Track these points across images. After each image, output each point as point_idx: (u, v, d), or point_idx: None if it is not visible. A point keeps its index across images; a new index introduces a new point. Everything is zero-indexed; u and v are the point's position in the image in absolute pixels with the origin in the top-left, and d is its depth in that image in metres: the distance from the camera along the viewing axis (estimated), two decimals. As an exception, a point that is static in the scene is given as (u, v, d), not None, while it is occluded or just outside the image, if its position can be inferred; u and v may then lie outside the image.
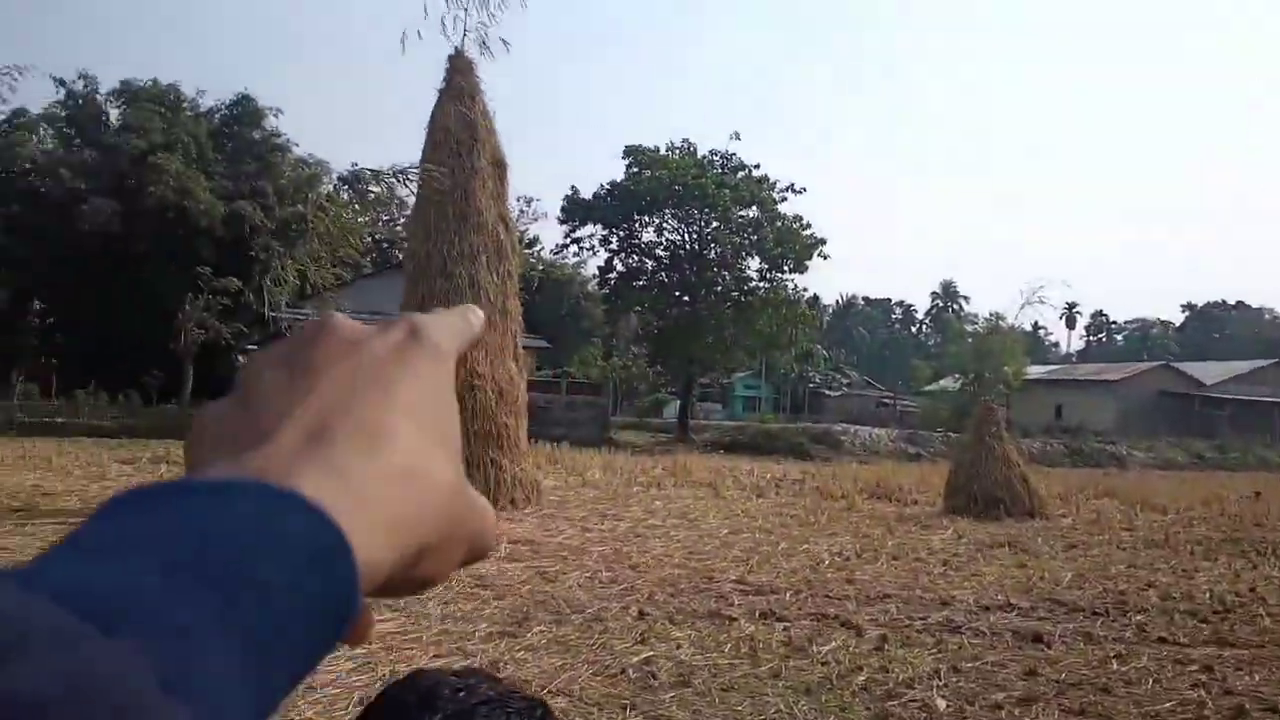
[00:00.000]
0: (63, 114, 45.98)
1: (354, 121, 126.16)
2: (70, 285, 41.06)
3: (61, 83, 45.65)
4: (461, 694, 0.97)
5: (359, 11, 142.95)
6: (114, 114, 45.99)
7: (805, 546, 10.34)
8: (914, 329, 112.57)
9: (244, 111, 47.40)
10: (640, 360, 53.47)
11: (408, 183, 12.35)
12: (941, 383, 50.81)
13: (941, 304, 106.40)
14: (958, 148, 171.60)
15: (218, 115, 47.52)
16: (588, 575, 8.11)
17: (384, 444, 0.35)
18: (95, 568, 0.28)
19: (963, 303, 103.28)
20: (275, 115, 48.53)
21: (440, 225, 12.76)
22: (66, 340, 45.56)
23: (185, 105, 46.22)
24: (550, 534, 10.23)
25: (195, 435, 0.39)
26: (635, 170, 41.71)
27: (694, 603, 7.30)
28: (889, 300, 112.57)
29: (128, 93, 45.64)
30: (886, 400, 63.80)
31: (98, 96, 46.15)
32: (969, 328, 58.98)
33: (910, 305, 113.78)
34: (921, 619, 7.12)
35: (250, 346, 39.92)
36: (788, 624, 6.79)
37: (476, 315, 0.47)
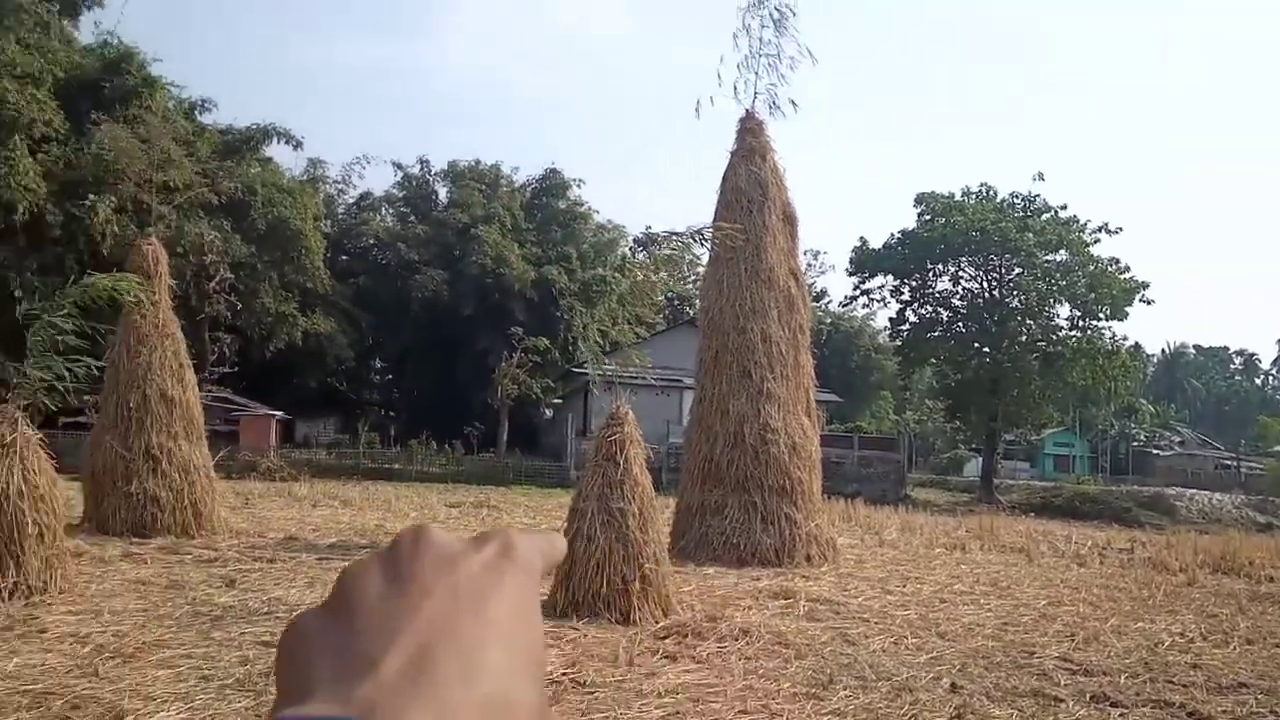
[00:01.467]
0: (400, 194, 52.16)
1: (649, 187, 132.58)
2: (406, 346, 46.15)
3: (399, 167, 51.95)
4: None
5: (652, 86, 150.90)
6: (442, 192, 51.50)
7: (1139, 624, 9.31)
8: (1258, 380, 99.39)
9: (551, 184, 51.37)
10: (936, 415, 51.22)
11: (702, 242, 12.74)
12: (1296, 442, 44.30)
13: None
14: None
15: (529, 189, 51.82)
16: (892, 640, 7.79)
17: (481, 672, 0.36)
18: None
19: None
20: (578, 186, 52.24)
21: (732, 281, 13.02)
22: (402, 395, 51.12)
23: (502, 181, 50.88)
24: (849, 594, 9.95)
25: (295, 645, 0.39)
26: (928, 218, 40.41)
27: (1012, 679, 6.78)
28: (1226, 349, 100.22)
29: (454, 173, 51.01)
30: (1227, 461, 56.56)
31: (429, 177, 51.95)
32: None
33: (1252, 354, 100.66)
34: (1290, 715, 6.16)
35: (556, 400, 42.68)
36: (1124, 710, 6.12)
37: (562, 542, 0.49)
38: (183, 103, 39.49)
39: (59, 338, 8.85)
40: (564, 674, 6.24)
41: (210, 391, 26.30)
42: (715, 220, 13.26)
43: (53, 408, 10.40)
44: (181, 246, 29.87)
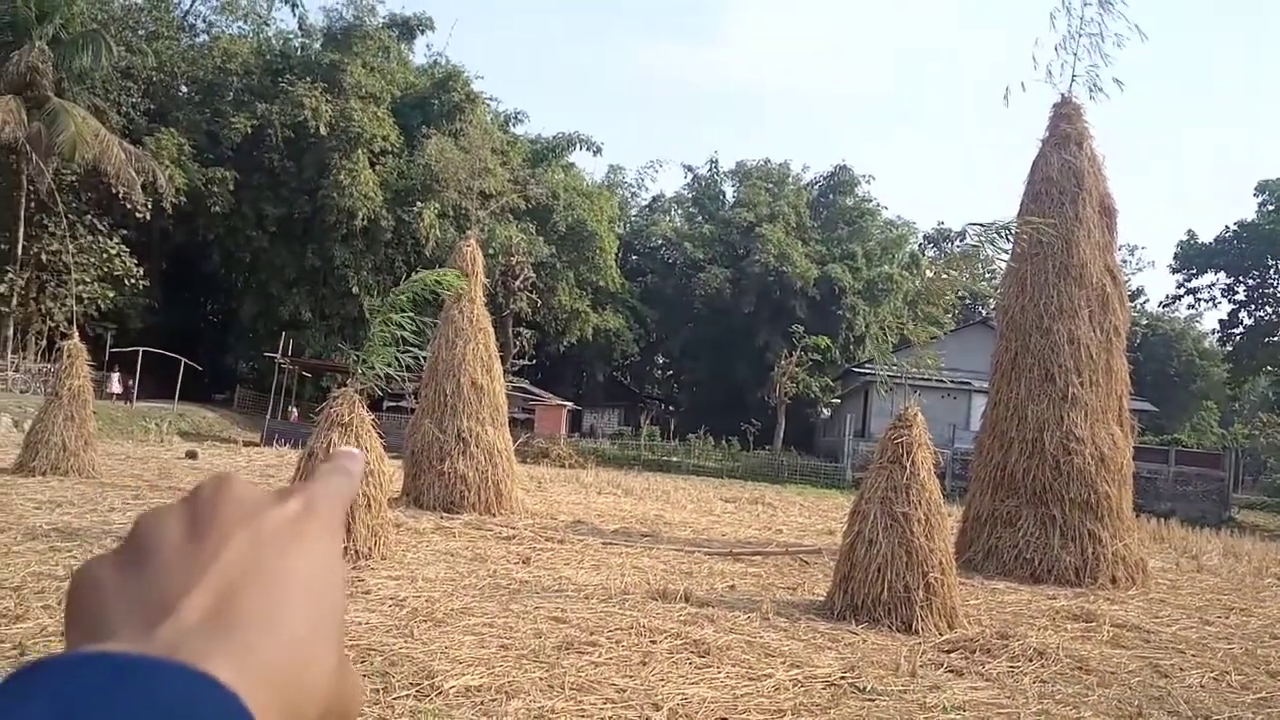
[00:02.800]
0: (689, 195, 53.60)
1: (943, 182, 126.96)
2: (687, 342, 47.40)
3: (689, 169, 53.41)
4: None
5: (954, 73, 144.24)
6: (729, 192, 52.34)
7: None
8: None
9: (840, 181, 50.70)
10: (1270, 429, 45.16)
11: (1007, 237, 12.02)
12: None
13: None
14: None
15: (816, 186, 51.43)
16: (1213, 676, 6.96)
17: (283, 619, 0.36)
18: None
19: None
20: (867, 182, 51.21)
21: (1038, 279, 12.18)
22: (682, 389, 52.56)
23: (789, 179, 50.87)
24: (1161, 622, 9.01)
25: (87, 590, 0.37)
26: (1271, 208, 35.65)
27: (1365, 734, 5.85)
28: None
29: (741, 172, 51.68)
30: None
31: (717, 177, 52.99)
32: None
33: None
34: None
35: (834, 400, 42.02)
36: None
37: (356, 461, 0.47)
38: (499, 115, 43.02)
39: (396, 331, 9.90)
40: (842, 678, 6.14)
41: (511, 382, 28.43)
42: (1022, 211, 12.49)
43: (380, 392, 11.67)
44: (493, 248, 32.57)
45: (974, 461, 13.09)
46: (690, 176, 53.31)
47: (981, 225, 10.17)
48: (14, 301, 29.34)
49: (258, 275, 36.10)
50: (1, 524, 9.22)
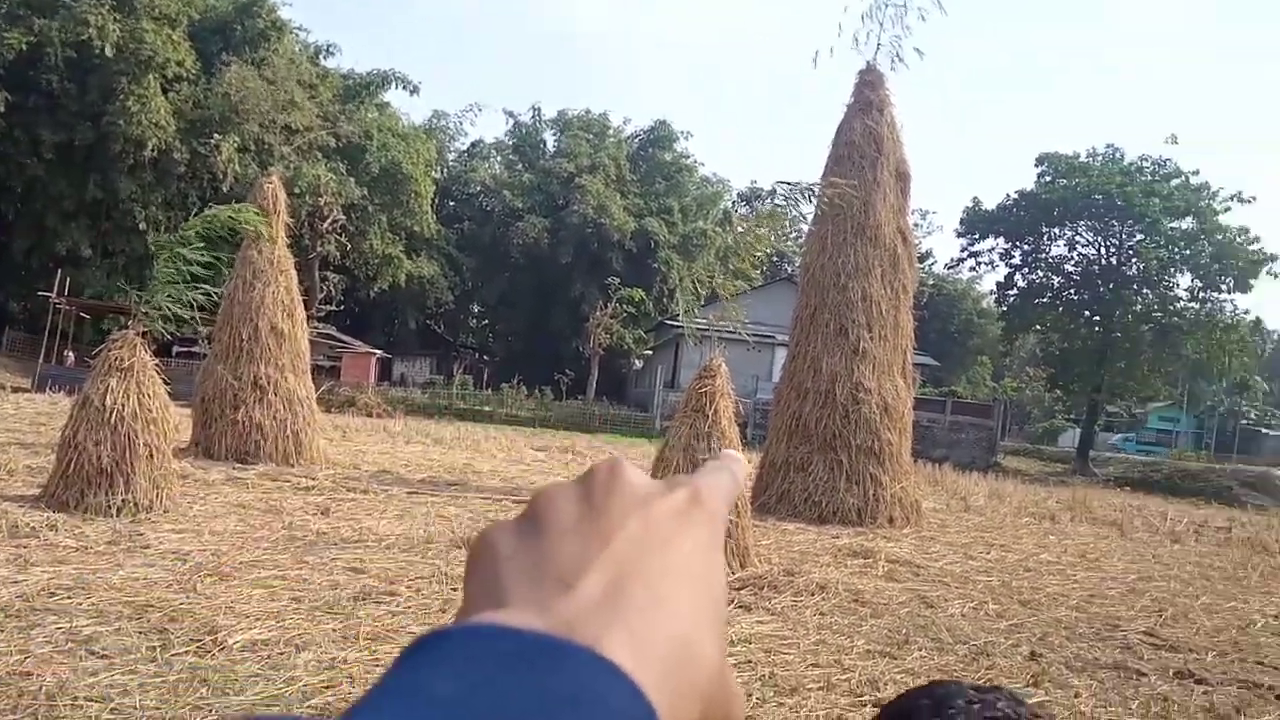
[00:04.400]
0: (510, 142, 52.69)
1: (757, 141, 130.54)
2: (504, 291, 46.94)
3: (511, 114, 52.40)
4: (976, 706, 0.96)
5: (767, 35, 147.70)
6: (550, 141, 51.81)
7: (1232, 604, 8.97)
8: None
9: (659, 136, 51.15)
10: (1036, 383, 49.73)
11: (811, 198, 12.55)
12: None
13: None
14: None
15: (636, 140, 51.71)
16: (972, 605, 7.68)
17: (671, 611, 0.35)
18: None
19: None
20: (686, 138, 51.90)
21: (837, 239, 12.80)
22: (497, 339, 52.12)
23: (610, 131, 50.86)
24: (930, 557, 9.83)
25: (486, 555, 0.38)
26: (1049, 179, 38.81)
27: (1094, 650, 6.63)
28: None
29: (563, 121, 51.19)
30: (1347, 445, 53.40)
31: (539, 125, 52.26)
32: None
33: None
34: (1386, 704, 5.89)
35: (647, 351, 42.86)
36: (1209, 688, 5.93)
37: (740, 464, 0.47)
38: (308, 47, 40.55)
39: (184, 268, 9.26)
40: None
41: (316, 328, 27.29)
42: (826, 174, 13.04)
43: (168, 336, 10.94)
44: (298, 187, 30.90)
45: (772, 411, 13.73)
46: (512, 123, 52.39)
47: (789, 185, 10.59)
48: None
49: (31, 206, 32.82)
50: None
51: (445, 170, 50.14)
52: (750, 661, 5.61)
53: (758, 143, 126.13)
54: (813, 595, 7.39)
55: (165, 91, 33.38)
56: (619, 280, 38.45)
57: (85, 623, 5.14)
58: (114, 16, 31.85)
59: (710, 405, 8.64)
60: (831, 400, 12.30)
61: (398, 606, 6.02)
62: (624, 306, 36.67)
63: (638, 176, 49.41)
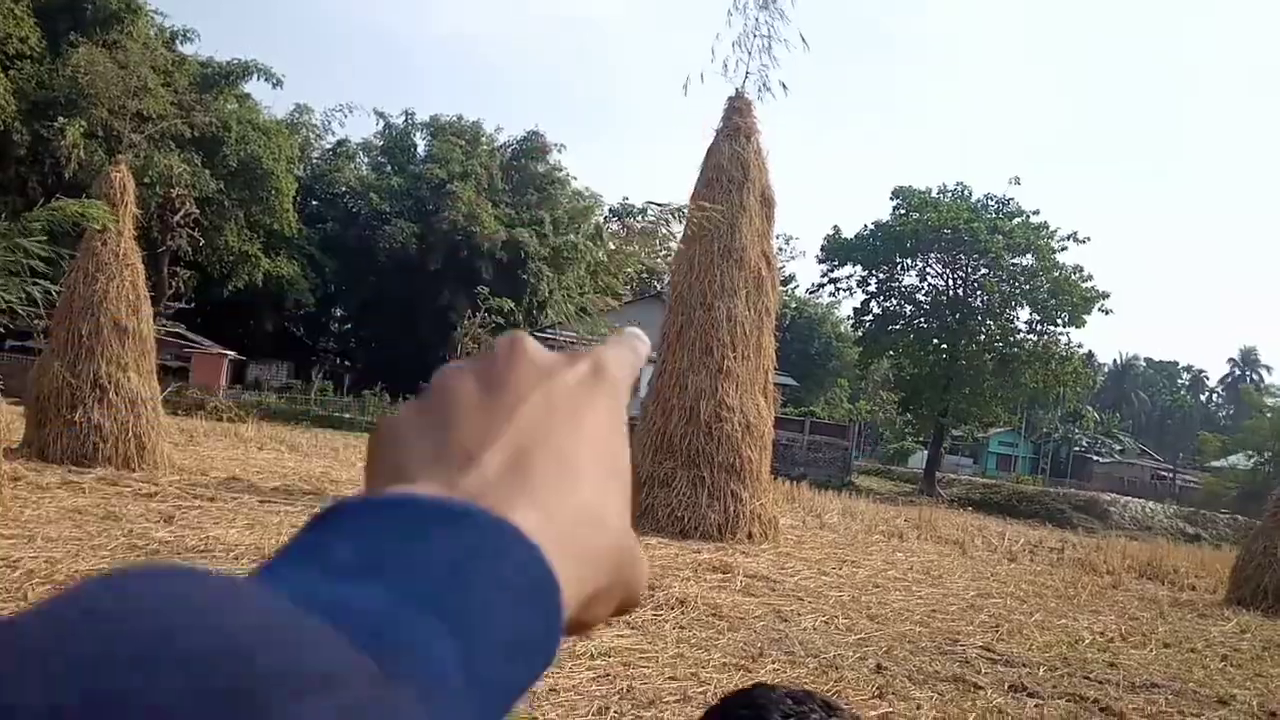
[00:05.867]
0: (379, 144, 51.41)
1: (629, 160, 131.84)
2: (368, 296, 45.70)
3: (382, 115, 51.13)
4: (790, 718, 0.99)
5: (641, 59, 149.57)
6: (421, 146, 50.84)
7: (1063, 621, 9.59)
8: (1204, 397, 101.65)
9: (531, 146, 50.91)
10: (889, 406, 51.92)
11: (680, 218, 12.79)
12: (1231, 459, 45.54)
13: (1239, 372, 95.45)
14: (1268, 198, 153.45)
15: (509, 149, 51.35)
16: (824, 620, 7.96)
17: (575, 481, 0.36)
18: (352, 589, 0.27)
19: (1264, 373, 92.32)
20: (559, 150, 51.81)
21: (704, 260, 13.05)
22: (360, 345, 50.69)
23: (483, 139, 50.31)
24: (786, 573, 10.13)
25: (388, 438, 0.38)
26: (903, 212, 40.71)
27: (935, 664, 6.97)
28: (1175, 364, 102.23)
29: (435, 126, 50.33)
30: (1164, 473, 58.02)
31: (411, 129, 51.21)
32: (1270, 401, 52.37)
33: (1201, 371, 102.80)
34: (1195, 715, 6.41)
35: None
36: (1040, 701, 6.33)
37: (644, 343, 0.47)
38: (164, 31, 38.48)
39: (25, 261, 8.68)
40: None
41: (164, 326, 25.92)
42: (695, 196, 13.28)
43: (1, 329, 10.23)
44: (149, 177, 29.29)
45: (639, 426, 13.87)
46: (383, 124, 51.14)
47: (660, 205, 10.78)
48: None
49: None
50: None
51: (309, 168, 48.51)
52: (609, 675, 5.65)
53: (631, 160, 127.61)
54: (673, 609, 7.51)
55: (5, 69, 31.11)
56: (489, 290, 38.01)
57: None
58: (-52, -17, 29.57)
59: (577, 419, 8.66)
60: (696, 417, 12.52)
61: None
62: (493, 316, 36.27)
63: (509, 186, 49.07)
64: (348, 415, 31.10)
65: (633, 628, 6.84)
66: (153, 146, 31.79)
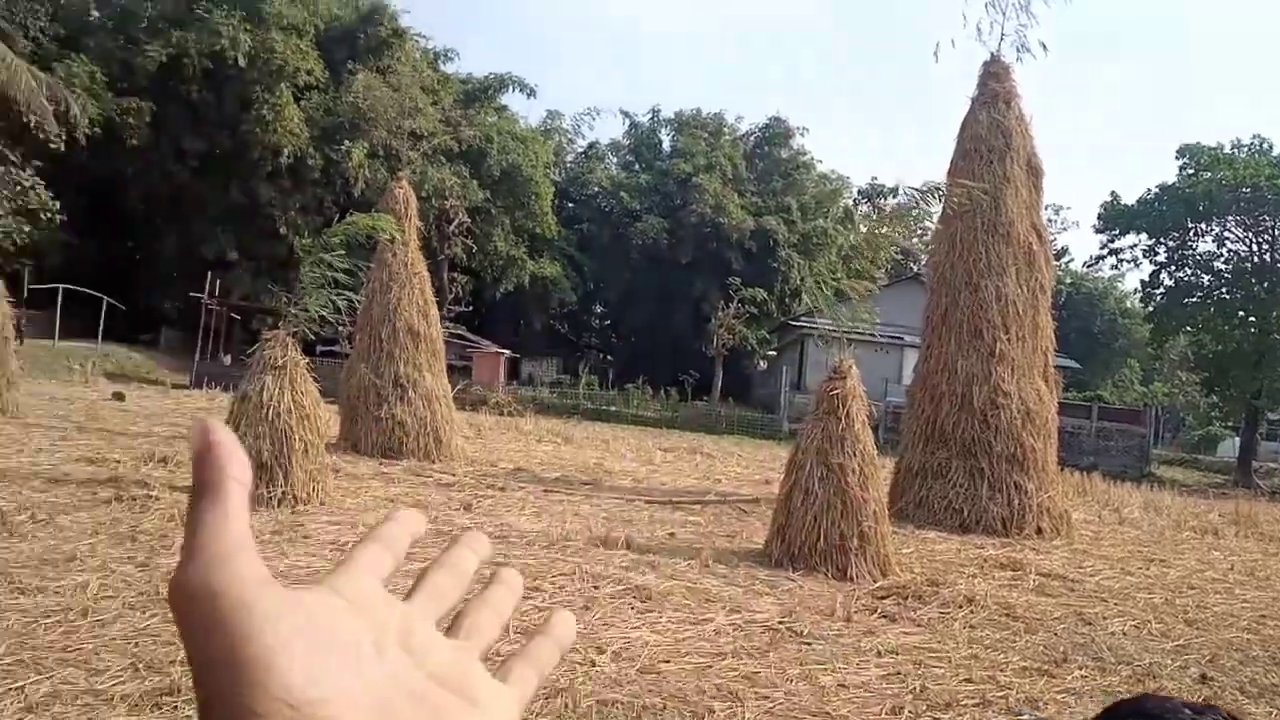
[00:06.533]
0: (626, 144, 53.08)
1: (878, 138, 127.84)
2: (625, 291, 47.32)
3: (628, 115, 52.81)
4: None
5: (885, 30, 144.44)
6: (666, 141, 51.95)
7: None
8: None
9: (774, 133, 50.63)
10: (1189, 388, 47.00)
11: (939, 196, 12.17)
12: None
13: None
14: None
15: (752, 138, 51.34)
16: (1134, 623, 7.28)
17: None
18: None
19: None
20: (801, 134, 51.22)
21: (967, 237, 12.36)
22: (620, 339, 52.58)
23: (725, 130, 50.65)
24: (1085, 572, 9.37)
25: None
26: (1191, 172, 36.67)
27: (1270, 675, 6.20)
28: None
29: (678, 122, 51.27)
30: None
31: (657, 125, 52.49)
32: None
33: None
34: None
35: (770, 352, 42.48)
36: None
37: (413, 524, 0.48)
38: (428, 53, 41.76)
39: (329, 273, 9.67)
40: (780, 622, 6.28)
41: (448, 328, 28.03)
42: (952, 171, 12.64)
43: (311, 336, 11.43)
44: (425, 190, 31.86)
45: (905, 414, 13.37)
46: (629, 124, 52.77)
47: (915, 190, 10.31)
48: (-82, 235, 27.91)
49: (180, 211, 34.80)
50: (-85, 467, 8.85)
51: (564, 172, 50.85)
52: (899, 673, 5.46)
53: (878, 138, 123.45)
54: (960, 608, 7.14)
55: (297, 100, 34.87)
56: (739, 280, 38.19)
57: (257, 612, 5.38)
58: (245, 27, 33.42)
59: (843, 407, 8.46)
60: (969, 404, 11.88)
61: (542, 602, 6.11)
62: (745, 306, 36.41)
63: (754, 175, 49.04)
64: (613, 408, 32.29)
65: (919, 625, 6.59)
66: (426, 162, 34.56)
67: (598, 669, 4.91)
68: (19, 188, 29.40)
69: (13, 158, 29.73)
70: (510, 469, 13.34)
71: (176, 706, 3.90)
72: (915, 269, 39.56)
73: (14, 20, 30.81)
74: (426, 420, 13.29)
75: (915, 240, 40.91)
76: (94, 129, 30.12)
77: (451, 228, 35.30)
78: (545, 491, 11.35)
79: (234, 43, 32.84)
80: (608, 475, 14.00)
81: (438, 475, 11.74)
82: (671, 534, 9.28)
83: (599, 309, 53.33)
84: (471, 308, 40.00)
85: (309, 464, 9.00)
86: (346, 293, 10.32)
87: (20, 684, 3.96)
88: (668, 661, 5.17)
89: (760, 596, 6.98)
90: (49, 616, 4.87)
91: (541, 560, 7.40)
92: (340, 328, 14.06)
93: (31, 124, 27.68)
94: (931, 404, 12.24)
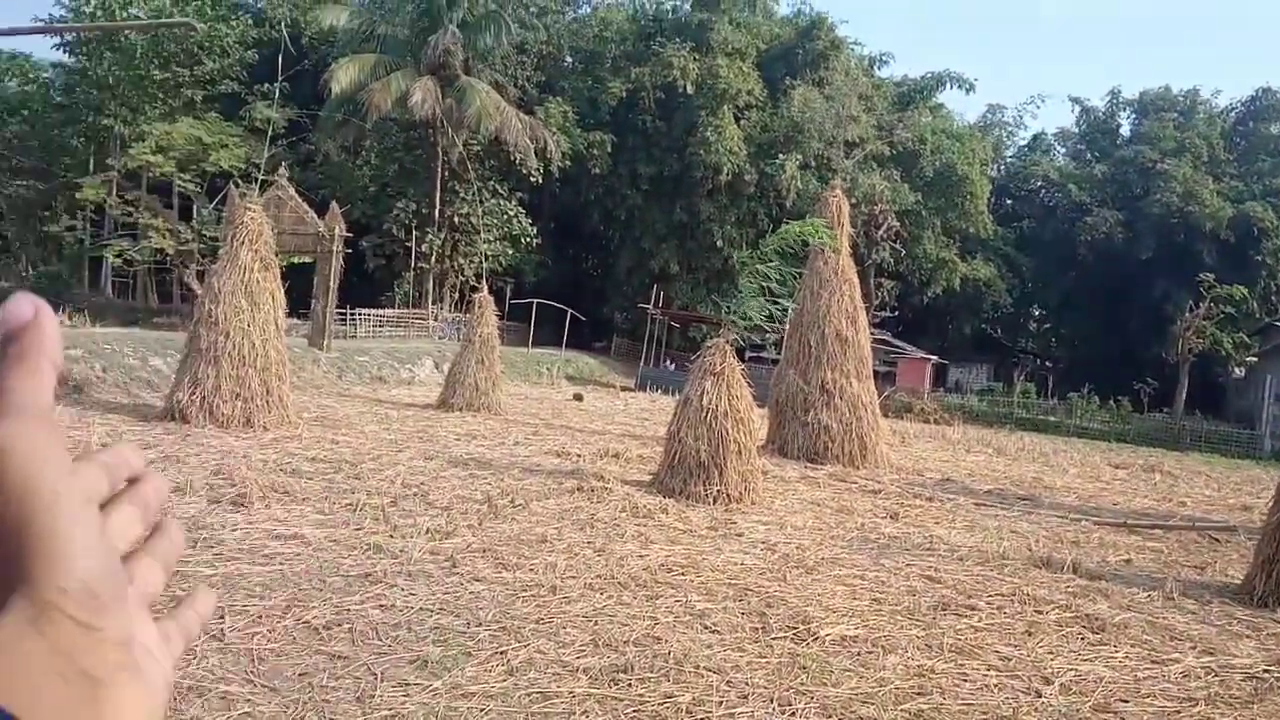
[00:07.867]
0: (1077, 131, 48.81)
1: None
2: (1068, 293, 43.47)
3: (1078, 102, 48.51)
4: None
5: None
6: (1126, 127, 46.97)
7: None
8: None
9: (1264, 106, 43.55)
10: None
11: None
12: None
13: None
14: None
15: (1233, 114, 44.70)
16: None
17: None
18: None
19: None
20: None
21: None
22: (1061, 344, 48.41)
23: (1199, 108, 44.57)
24: None
25: None
26: None
27: None
28: None
29: (1140, 104, 46.07)
30: None
31: (1115, 109, 47.65)
32: None
33: None
34: None
35: (1250, 358, 36.58)
36: None
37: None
38: (863, 60, 41.82)
39: (763, 283, 10.09)
40: (1267, 671, 5.41)
41: (873, 333, 27.80)
42: None
43: (742, 343, 11.97)
44: (855, 196, 31.94)
45: None
46: (1079, 110, 48.45)
47: None
48: (433, 258, 33.71)
49: (632, 231, 38.33)
50: (431, 452, 10.71)
51: (1003, 168, 48.01)
52: None
53: None
54: None
55: (737, 120, 36.71)
56: (1212, 276, 33.33)
57: (697, 598, 5.78)
58: (693, 57, 35.94)
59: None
60: None
61: (979, 622, 5.84)
62: (1220, 306, 31.71)
63: (1234, 156, 42.50)
64: (1052, 418, 29.91)
65: None
66: (856, 168, 34.64)
67: (1044, 700, 4.59)
68: (506, 216, 34.50)
69: (501, 191, 35.01)
70: (938, 478, 12.91)
71: (630, 684, 4.30)
72: None
73: (506, 73, 36.18)
74: (852, 426, 13.32)
75: None
76: (565, 161, 34.39)
77: (879, 233, 34.97)
78: (977, 505, 10.82)
79: (684, 72, 35.56)
80: (1048, 491, 12.98)
81: (862, 481, 11.70)
82: (1127, 560, 8.38)
83: (1037, 312, 49.62)
84: (896, 313, 39.33)
85: (742, 465, 9.45)
86: (781, 300, 10.67)
87: (503, 649, 4.63)
88: (1126, 701, 4.69)
89: (1240, 639, 6.07)
90: (526, 590, 5.63)
91: (975, 576, 7.07)
92: (768, 334, 14.59)
93: (517, 161, 32.43)
94: None
